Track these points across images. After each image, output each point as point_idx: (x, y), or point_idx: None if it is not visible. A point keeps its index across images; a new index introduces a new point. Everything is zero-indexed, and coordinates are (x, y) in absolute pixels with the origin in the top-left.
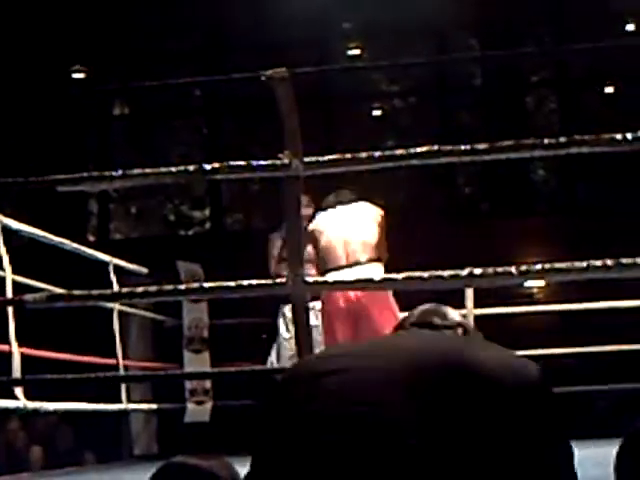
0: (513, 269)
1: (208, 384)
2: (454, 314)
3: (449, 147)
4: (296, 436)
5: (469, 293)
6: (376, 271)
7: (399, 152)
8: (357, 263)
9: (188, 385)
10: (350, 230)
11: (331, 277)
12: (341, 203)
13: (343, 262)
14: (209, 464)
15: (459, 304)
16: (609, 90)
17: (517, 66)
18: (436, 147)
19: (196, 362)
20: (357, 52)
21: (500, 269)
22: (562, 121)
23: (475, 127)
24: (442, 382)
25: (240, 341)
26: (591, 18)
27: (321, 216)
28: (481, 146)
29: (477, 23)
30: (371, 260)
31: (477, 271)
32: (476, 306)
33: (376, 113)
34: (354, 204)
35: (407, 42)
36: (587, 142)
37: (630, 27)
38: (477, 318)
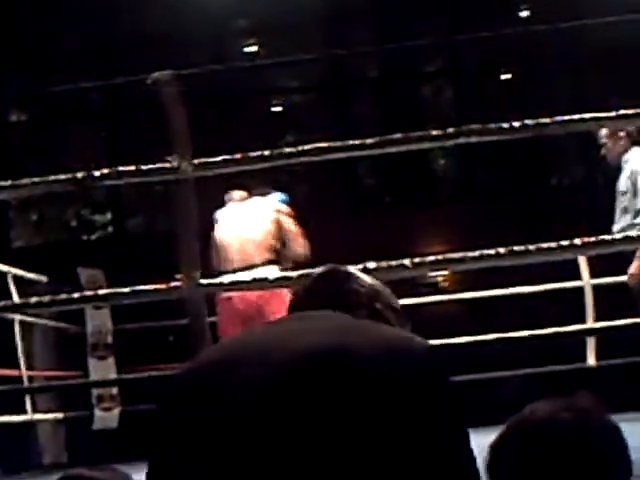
0: (407, 262)
1: (115, 390)
2: (359, 284)
3: (338, 143)
4: (186, 441)
5: None
6: (272, 273)
7: (288, 150)
8: (252, 265)
9: (95, 392)
10: (244, 230)
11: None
12: (241, 199)
13: (237, 264)
14: (104, 475)
15: None
16: (505, 77)
17: (412, 56)
18: (325, 144)
19: (101, 368)
20: (254, 49)
21: (394, 262)
22: (458, 110)
23: (373, 119)
24: (318, 381)
25: (146, 344)
26: (486, 5)
27: (217, 214)
28: (370, 141)
29: (371, 14)
30: (267, 261)
31: (371, 265)
32: None
33: (275, 109)
34: (253, 200)
35: (304, 37)
36: (475, 132)
37: (524, 14)
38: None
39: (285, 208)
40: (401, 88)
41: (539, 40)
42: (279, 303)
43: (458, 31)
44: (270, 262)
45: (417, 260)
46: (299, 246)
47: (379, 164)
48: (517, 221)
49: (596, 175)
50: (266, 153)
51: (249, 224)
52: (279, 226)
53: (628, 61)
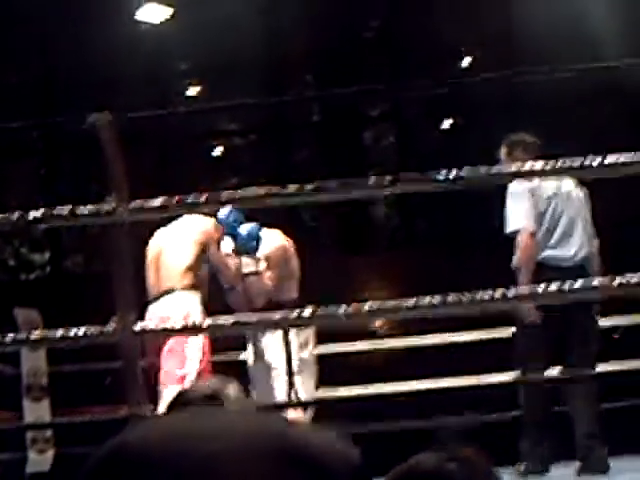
0: (342, 310)
1: (49, 432)
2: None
3: (275, 189)
4: None
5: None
6: (189, 300)
7: (225, 194)
8: (170, 291)
9: (29, 434)
10: (165, 251)
11: (149, 310)
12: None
13: (156, 290)
14: None
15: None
16: (446, 125)
17: (355, 101)
18: (263, 190)
19: (36, 410)
20: (195, 91)
21: (324, 311)
22: (400, 155)
23: (315, 163)
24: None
25: (83, 386)
26: (429, 52)
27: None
28: (308, 187)
29: (314, 57)
30: (187, 287)
31: (306, 312)
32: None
33: (216, 152)
34: (184, 219)
35: (245, 80)
36: (413, 180)
37: (466, 62)
38: (321, 357)
39: (216, 230)
40: (343, 133)
41: (481, 89)
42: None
43: (400, 74)
44: (191, 287)
45: (350, 309)
46: (227, 278)
47: (322, 208)
48: (456, 268)
49: None
50: (202, 198)
51: (172, 246)
52: (202, 249)
53: (569, 111)
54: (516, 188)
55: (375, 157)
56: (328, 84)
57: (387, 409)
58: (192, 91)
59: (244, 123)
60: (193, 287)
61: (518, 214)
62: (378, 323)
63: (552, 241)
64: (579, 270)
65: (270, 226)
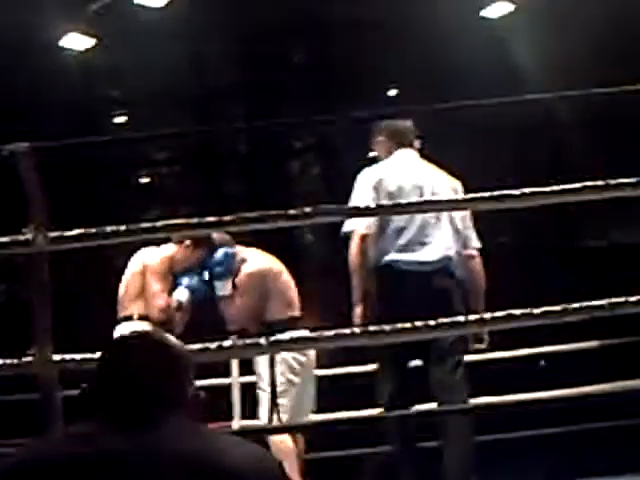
0: (262, 340)
1: None
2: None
3: (194, 220)
4: None
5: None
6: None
7: (144, 225)
8: (129, 317)
9: None
10: (124, 281)
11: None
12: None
13: (119, 316)
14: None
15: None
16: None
17: (281, 133)
18: (183, 221)
19: None
20: (123, 120)
21: (249, 340)
22: (326, 186)
23: (241, 193)
24: None
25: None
26: (354, 83)
27: None
28: (227, 218)
29: (243, 90)
30: (139, 316)
31: (227, 343)
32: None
33: (142, 181)
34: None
35: (172, 110)
36: (332, 211)
37: (393, 92)
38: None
39: (160, 263)
40: (270, 164)
41: (405, 119)
42: None
43: (327, 109)
44: (140, 317)
45: (272, 339)
46: (152, 308)
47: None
48: None
49: None
50: (122, 228)
51: (126, 276)
52: (142, 280)
53: (493, 142)
54: (362, 181)
55: (301, 188)
56: (256, 115)
57: None
58: (119, 120)
59: (172, 152)
60: (143, 317)
61: None
62: None
63: (399, 243)
64: (436, 276)
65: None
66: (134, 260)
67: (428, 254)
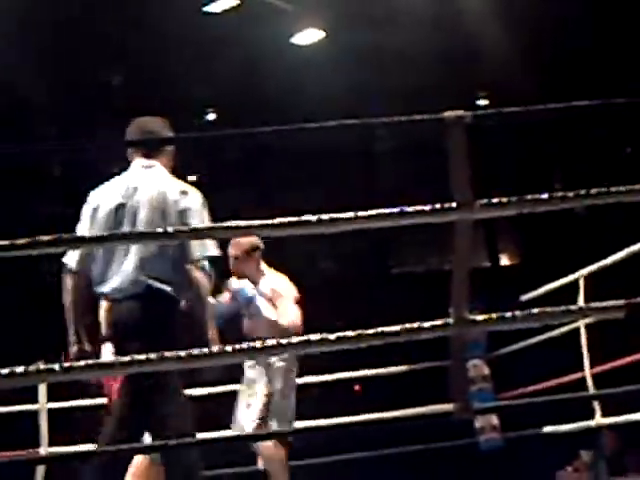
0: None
1: None
2: None
3: (6, 242)
4: None
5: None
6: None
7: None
8: None
9: None
10: None
11: None
12: None
13: None
14: None
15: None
16: (191, 179)
17: (93, 154)
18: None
19: None
20: None
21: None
22: None
23: (59, 216)
24: None
25: None
26: (171, 105)
27: None
28: (47, 239)
29: (54, 108)
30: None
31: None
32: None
33: None
34: None
35: None
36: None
37: (211, 116)
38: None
39: None
40: (85, 186)
41: (223, 145)
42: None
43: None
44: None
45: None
46: None
47: None
48: None
49: None
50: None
51: None
52: None
53: (318, 166)
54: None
55: None
56: (72, 136)
57: None
58: None
59: None
60: None
61: None
62: None
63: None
64: (131, 304)
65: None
66: None
67: (120, 279)
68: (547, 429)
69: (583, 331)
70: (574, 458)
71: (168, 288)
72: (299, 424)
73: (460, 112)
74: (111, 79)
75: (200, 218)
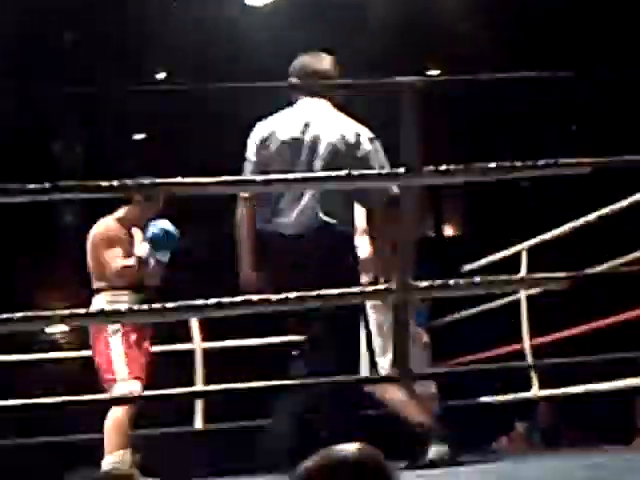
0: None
1: None
2: None
3: None
4: None
5: None
6: (96, 304)
7: None
8: (95, 292)
9: None
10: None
11: None
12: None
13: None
14: None
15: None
16: (139, 137)
17: (44, 111)
18: None
19: None
20: None
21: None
22: (88, 167)
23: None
24: None
25: None
26: (122, 64)
27: None
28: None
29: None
30: (96, 290)
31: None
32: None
33: None
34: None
35: None
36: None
37: (161, 75)
38: None
39: (99, 231)
40: (31, 142)
41: (175, 103)
42: (99, 343)
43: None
44: (98, 291)
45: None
46: (110, 272)
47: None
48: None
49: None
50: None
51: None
52: (95, 251)
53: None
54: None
55: (65, 167)
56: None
57: None
58: None
59: None
60: (101, 290)
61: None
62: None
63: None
64: (296, 243)
65: None
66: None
67: (293, 217)
68: (484, 399)
69: (524, 303)
70: (509, 429)
71: (343, 225)
72: None
73: (412, 78)
74: (61, 41)
75: (377, 157)
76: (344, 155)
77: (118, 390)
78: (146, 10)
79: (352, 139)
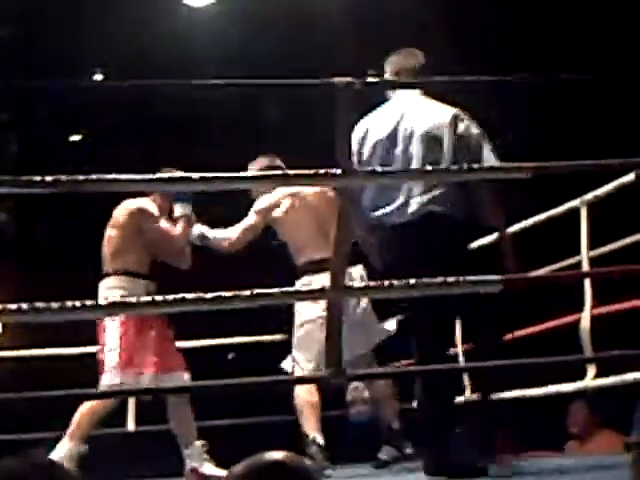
0: None
1: None
2: None
3: None
4: None
5: None
6: (110, 284)
7: None
8: (104, 275)
9: None
10: (106, 233)
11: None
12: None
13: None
14: None
15: None
16: (75, 138)
17: None
18: None
19: None
20: None
21: None
22: (20, 166)
23: None
24: None
25: None
26: (59, 64)
27: None
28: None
29: None
30: (114, 272)
31: None
32: None
33: None
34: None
35: None
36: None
37: (99, 77)
38: None
39: (147, 206)
40: None
41: (111, 103)
42: (99, 329)
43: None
44: (118, 273)
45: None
46: (172, 250)
47: None
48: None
49: None
50: None
51: (109, 227)
52: (136, 228)
53: (200, 129)
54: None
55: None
56: None
57: None
58: None
59: None
60: (123, 272)
61: None
62: None
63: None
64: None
65: None
66: (113, 218)
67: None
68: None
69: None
70: None
71: (452, 212)
72: None
73: (349, 79)
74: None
75: (477, 143)
76: (440, 138)
77: (104, 381)
78: (84, 10)
79: (448, 123)
